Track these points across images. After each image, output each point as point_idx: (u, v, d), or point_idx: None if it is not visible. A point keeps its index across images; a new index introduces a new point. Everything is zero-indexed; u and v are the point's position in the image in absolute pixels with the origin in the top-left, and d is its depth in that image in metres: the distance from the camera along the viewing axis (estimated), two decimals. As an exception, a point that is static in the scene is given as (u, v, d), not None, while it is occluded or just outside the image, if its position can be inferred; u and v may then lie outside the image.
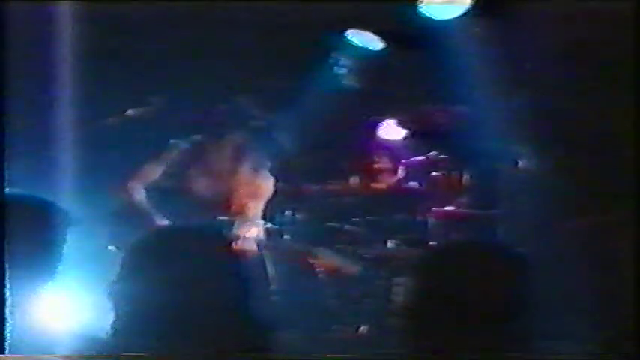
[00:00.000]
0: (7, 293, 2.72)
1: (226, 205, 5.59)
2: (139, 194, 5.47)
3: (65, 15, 5.39)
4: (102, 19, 5.65)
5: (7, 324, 2.70)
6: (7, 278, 2.73)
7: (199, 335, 2.55)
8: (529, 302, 2.60)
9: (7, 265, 2.74)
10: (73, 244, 2.99)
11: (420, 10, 5.96)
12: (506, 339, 2.53)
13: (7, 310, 2.71)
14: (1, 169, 3.05)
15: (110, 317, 2.63)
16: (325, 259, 5.67)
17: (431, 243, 6.27)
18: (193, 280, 2.60)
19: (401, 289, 2.73)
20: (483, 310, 2.52)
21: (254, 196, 5.67)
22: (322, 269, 5.76)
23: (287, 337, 5.67)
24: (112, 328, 2.62)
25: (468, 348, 2.51)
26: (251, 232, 5.74)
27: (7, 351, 2.66)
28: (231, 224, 5.57)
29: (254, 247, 5.85)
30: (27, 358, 2.66)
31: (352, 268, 5.71)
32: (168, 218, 5.48)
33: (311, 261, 5.71)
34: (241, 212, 5.65)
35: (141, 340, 2.55)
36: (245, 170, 5.58)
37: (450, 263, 2.60)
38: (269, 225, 6.13)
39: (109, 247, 5.36)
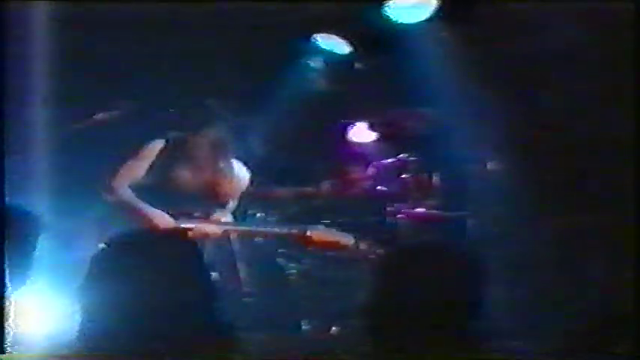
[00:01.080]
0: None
1: (211, 198, 5.59)
2: (124, 193, 5.43)
3: (34, 18, 5.37)
4: (70, 22, 5.64)
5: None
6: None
7: (169, 337, 2.57)
8: (487, 302, 2.64)
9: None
10: (46, 248, 3.00)
11: (386, 13, 5.98)
12: (469, 340, 2.56)
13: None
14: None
15: (79, 320, 2.64)
16: (320, 236, 5.66)
17: (391, 245, 6.27)
18: (162, 283, 2.62)
19: (368, 290, 2.75)
20: (445, 310, 2.55)
21: (235, 188, 5.68)
22: (318, 246, 5.75)
23: (258, 337, 5.72)
24: (80, 330, 2.63)
25: (433, 348, 2.54)
26: (224, 233, 5.74)
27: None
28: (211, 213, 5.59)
29: (225, 246, 5.87)
30: (27, 358, 2.68)
31: (347, 239, 5.70)
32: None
33: (305, 238, 5.67)
34: (224, 204, 5.66)
35: (110, 342, 2.56)
36: (224, 163, 5.58)
37: (410, 264, 2.64)
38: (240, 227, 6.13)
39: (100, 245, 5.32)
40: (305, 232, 5.55)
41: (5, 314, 2.77)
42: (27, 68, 5.49)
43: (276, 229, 5.89)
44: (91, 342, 2.57)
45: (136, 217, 5.37)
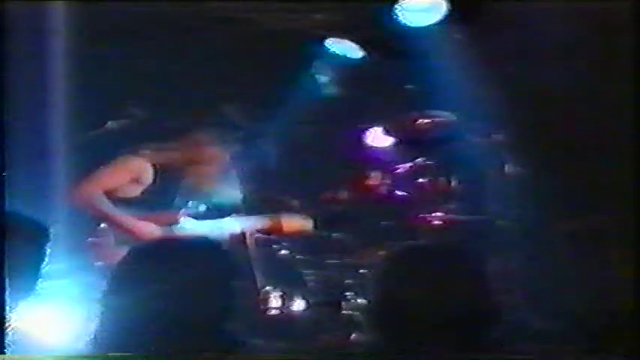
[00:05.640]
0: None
1: None
2: (99, 201, 5.39)
3: (42, 21, 5.38)
4: (83, 29, 5.65)
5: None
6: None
7: (186, 342, 2.56)
8: (500, 306, 2.61)
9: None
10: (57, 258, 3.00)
11: (397, 17, 5.96)
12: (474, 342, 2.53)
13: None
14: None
15: (99, 325, 2.64)
16: (288, 223, 5.82)
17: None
18: (183, 290, 2.61)
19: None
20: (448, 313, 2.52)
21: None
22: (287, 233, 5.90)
23: (276, 344, 5.69)
24: (99, 337, 2.63)
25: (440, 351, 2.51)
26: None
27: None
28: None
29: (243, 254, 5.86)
30: (27, 358, 2.68)
31: (308, 225, 5.89)
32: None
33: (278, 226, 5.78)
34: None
35: (130, 348, 2.56)
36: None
37: (415, 267, 2.61)
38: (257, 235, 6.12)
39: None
40: (279, 221, 5.71)
41: (5, 315, 2.77)
42: (35, 75, 5.49)
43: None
44: (111, 346, 2.57)
45: (118, 228, 5.32)
